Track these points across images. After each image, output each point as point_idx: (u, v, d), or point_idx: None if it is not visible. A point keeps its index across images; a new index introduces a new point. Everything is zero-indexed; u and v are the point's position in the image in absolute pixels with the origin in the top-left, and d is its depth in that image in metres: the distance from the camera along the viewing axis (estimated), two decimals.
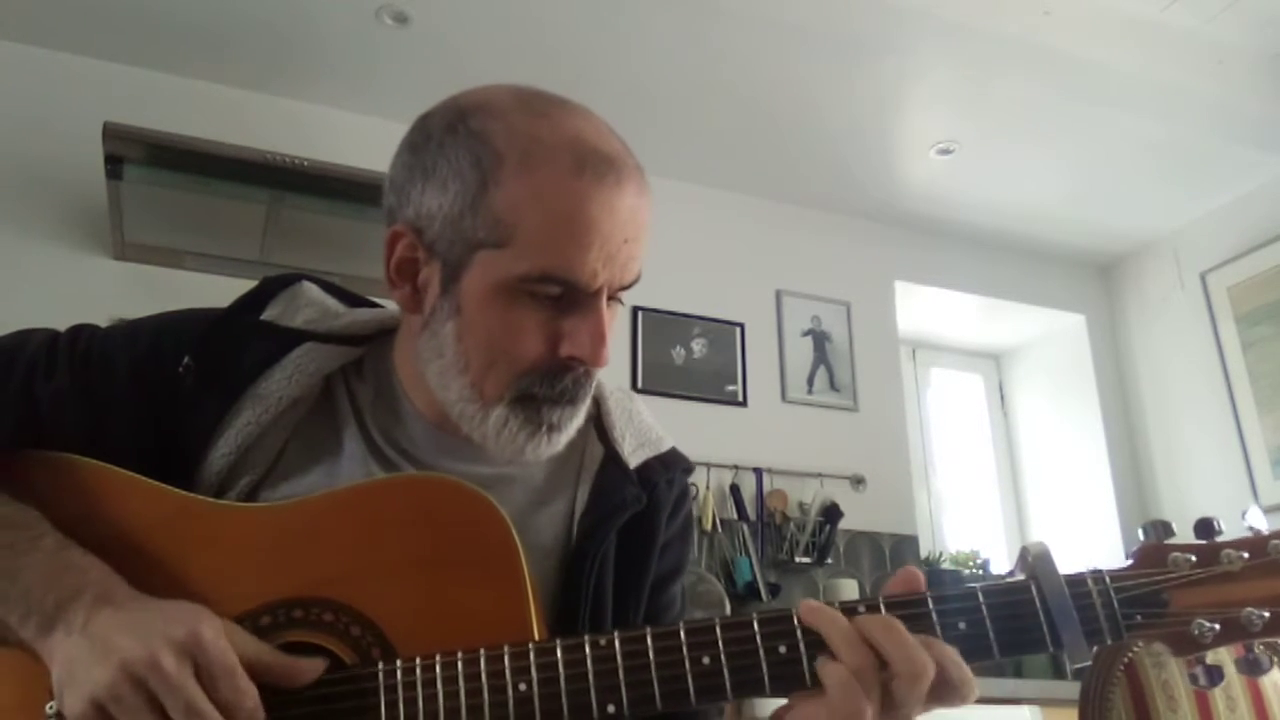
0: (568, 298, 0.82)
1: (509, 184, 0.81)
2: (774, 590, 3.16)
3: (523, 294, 0.82)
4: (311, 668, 0.75)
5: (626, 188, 0.83)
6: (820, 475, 3.39)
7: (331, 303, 0.97)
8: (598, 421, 0.98)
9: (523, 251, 0.80)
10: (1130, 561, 0.77)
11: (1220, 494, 3.56)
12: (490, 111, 0.84)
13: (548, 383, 0.84)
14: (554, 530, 0.91)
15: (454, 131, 0.84)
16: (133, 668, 0.69)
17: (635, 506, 0.92)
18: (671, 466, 0.98)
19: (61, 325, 0.94)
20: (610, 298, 0.85)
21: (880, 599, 0.75)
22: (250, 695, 0.71)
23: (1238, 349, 3.60)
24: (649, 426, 1.01)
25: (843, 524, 3.34)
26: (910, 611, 0.74)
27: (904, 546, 3.48)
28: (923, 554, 3.55)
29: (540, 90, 0.88)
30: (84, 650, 0.71)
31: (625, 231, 0.83)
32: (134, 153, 2.41)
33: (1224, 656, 0.76)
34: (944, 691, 0.72)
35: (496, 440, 0.85)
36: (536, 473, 0.94)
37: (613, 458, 0.95)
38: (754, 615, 0.74)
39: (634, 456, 0.96)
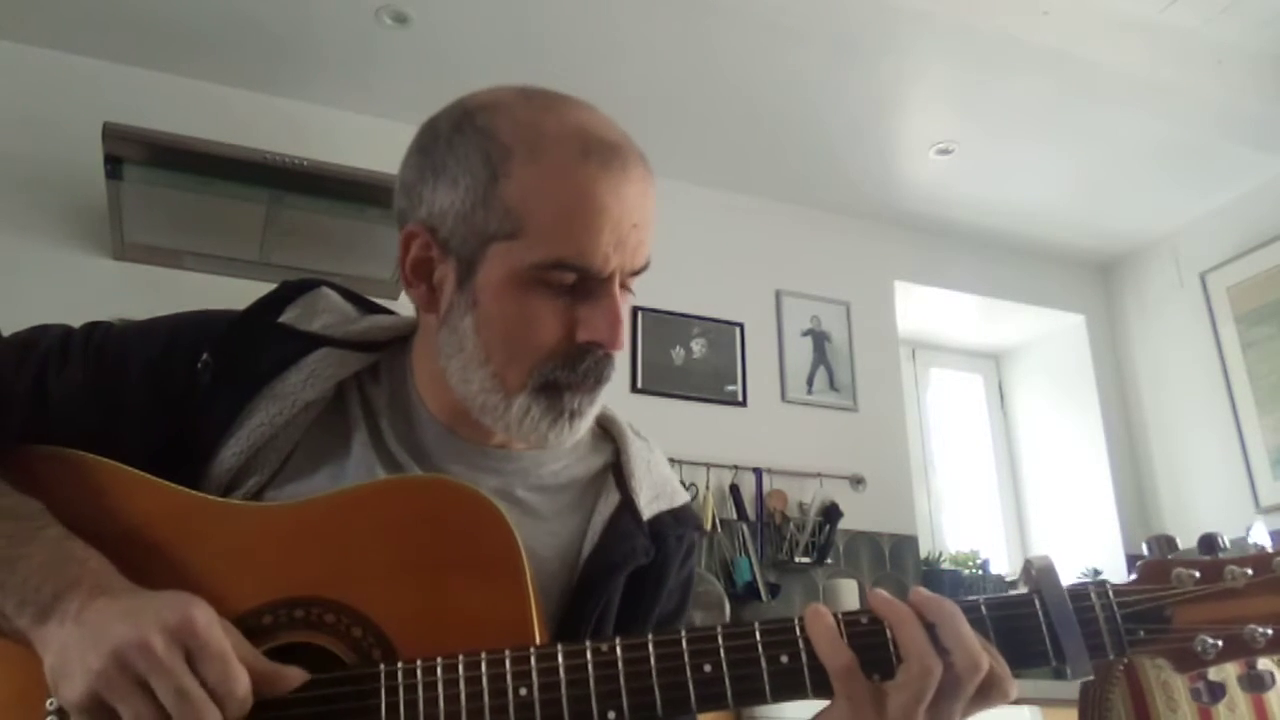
0: (582, 284, 0.83)
1: (518, 175, 0.82)
2: (774, 590, 3.16)
3: (538, 283, 0.83)
4: (294, 675, 0.74)
5: (632, 173, 0.84)
6: (820, 475, 3.39)
7: (349, 309, 0.97)
8: (616, 468, 0.97)
9: (535, 240, 0.81)
10: (1134, 576, 0.77)
11: (1220, 494, 3.56)
12: (496, 108, 0.86)
13: (569, 367, 0.85)
14: (559, 558, 0.91)
15: (461, 130, 0.86)
16: (123, 652, 0.68)
17: (643, 559, 0.92)
18: (684, 523, 0.98)
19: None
20: (622, 285, 0.86)
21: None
22: (242, 682, 0.70)
23: (1238, 349, 3.60)
24: (666, 479, 1.00)
25: (842, 524, 3.34)
26: None
27: (904, 546, 3.48)
28: (922, 554, 3.55)
29: (544, 88, 0.89)
30: (77, 639, 0.71)
31: (633, 216, 0.84)
32: (134, 153, 2.41)
33: (1227, 672, 0.76)
34: (990, 691, 0.72)
35: (519, 428, 0.86)
36: (546, 504, 0.94)
37: (628, 505, 0.94)
38: (756, 624, 0.74)
39: (649, 508, 0.95)
